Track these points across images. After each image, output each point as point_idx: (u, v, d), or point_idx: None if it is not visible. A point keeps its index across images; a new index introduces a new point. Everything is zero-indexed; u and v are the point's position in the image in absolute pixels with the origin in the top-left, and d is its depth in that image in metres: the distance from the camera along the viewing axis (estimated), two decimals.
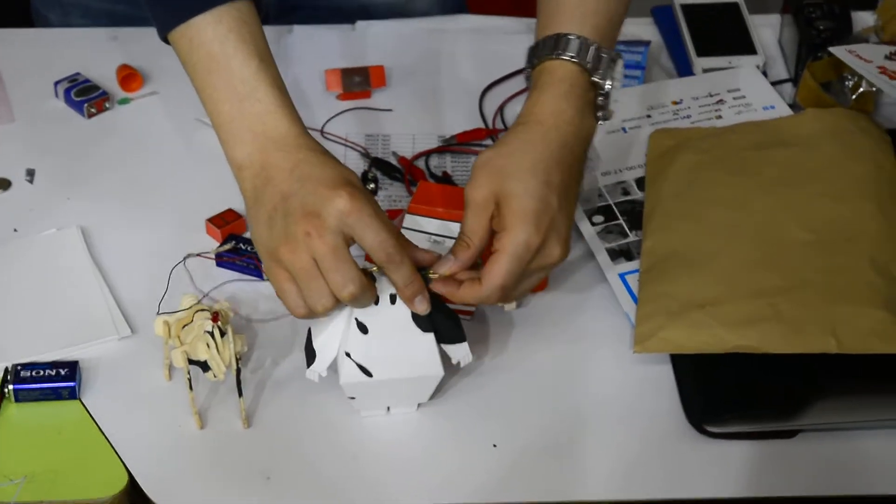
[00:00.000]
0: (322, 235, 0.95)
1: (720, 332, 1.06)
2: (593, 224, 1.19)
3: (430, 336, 1.02)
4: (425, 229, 1.09)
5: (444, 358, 1.03)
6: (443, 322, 1.02)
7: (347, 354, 1.01)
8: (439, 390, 1.05)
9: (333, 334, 1.02)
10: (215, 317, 1.04)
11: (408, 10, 1.42)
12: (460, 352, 1.04)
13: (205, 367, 1.04)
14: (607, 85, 1.01)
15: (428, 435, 1.05)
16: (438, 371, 1.03)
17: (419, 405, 1.06)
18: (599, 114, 1.03)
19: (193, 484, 1.02)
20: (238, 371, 1.04)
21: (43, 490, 1.00)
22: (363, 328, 1.01)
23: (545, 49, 1.03)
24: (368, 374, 1.01)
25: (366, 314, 1.01)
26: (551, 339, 1.12)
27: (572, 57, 1.01)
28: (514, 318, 1.13)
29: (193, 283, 1.10)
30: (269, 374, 1.09)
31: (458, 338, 1.03)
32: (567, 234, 1.01)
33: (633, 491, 1.01)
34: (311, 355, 1.03)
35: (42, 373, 1.06)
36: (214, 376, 1.04)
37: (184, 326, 1.05)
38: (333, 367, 1.03)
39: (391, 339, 1.01)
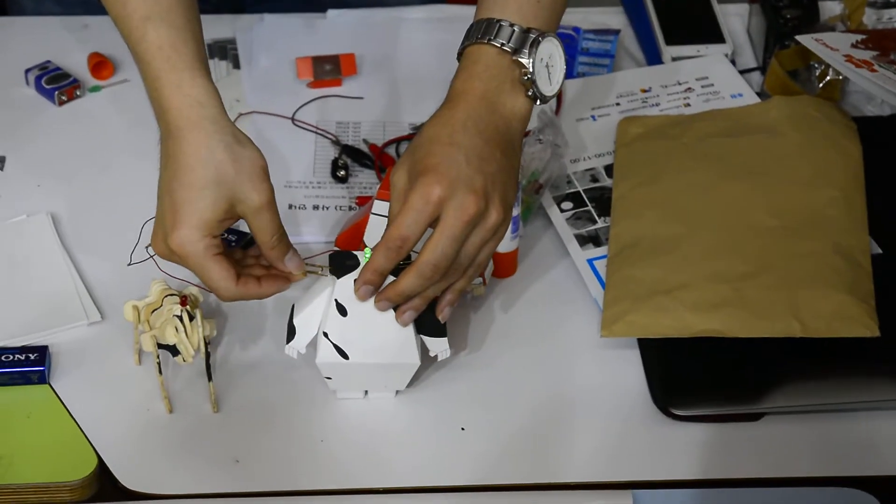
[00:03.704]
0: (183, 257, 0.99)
1: (686, 317, 1.06)
2: (562, 210, 1.20)
3: (411, 325, 1.02)
4: None
5: (423, 349, 1.03)
6: (425, 313, 1.02)
7: (325, 335, 1.01)
8: (416, 379, 1.06)
9: (314, 312, 1.02)
10: (184, 300, 1.04)
11: (384, 0, 1.42)
12: (439, 346, 1.04)
13: (174, 351, 1.04)
14: (528, 63, 1.02)
15: (400, 420, 1.05)
16: (415, 360, 1.03)
17: (397, 392, 1.06)
18: (530, 92, 1.03)
19: (163, 467, 1.02)
20: (207, 355, 1.04)
21: (12, 473, 1.01)
22: (342, 310, 1.01)
23: (469, 36, 1.05)
24: (345, 355, 1.01)
25: (346, 296, 1.01)
26: (521, 324, 1.12)
27: (490, 39, 1.02)
28: (484, 302, 1.13)
29: (160, 269, 1.09)
30: (238, 359, 1.09)
31: (439, 332, 1.03)
32: (499, 197, 0.99)
33: (600, 473, 1.02)
34: (291, 332, 1.03)
35: (11, 357, 1.06)
36: (183, 360, 1.04)
37: (153, 311, 1.06)
38: (313, 346, 1.03)
39: (370, 323, 1.01)
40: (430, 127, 1.01)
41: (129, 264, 1.07)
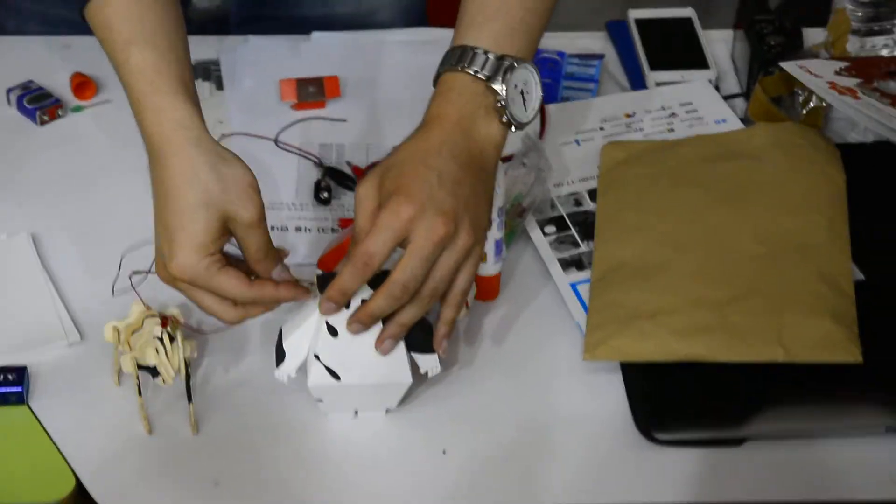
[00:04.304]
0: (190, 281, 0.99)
1: (669, 341, 1.06)
2: (546, 234, 1.19)
3: (401, 344, 1.02)
4: None
5: (413, 366, 1.03)
6: (415, 330, 1.02)
7: (316, 357, 1.01)
8: (407, 397, 1.05)
9: (304, 335, 1.02)
10: (164, 322, 1.04)
11: (369, 23, 1.43)
12: (429, 362, 1.04)
13: (154, 372, 1.03)
14: (501, 90, 1.02)
15: (384, 442, 1.05)
16: (407, 379, 1.03)
17: (387, 410, 1.06)
18: (504, 119, 1.03)
19: (142, 489, 1.01)
20: (187, 376, 1.03)
21: None
22: (333, 331, 1.01)
23: (444, 63, 1.05)
24: (337, 377, 1.01)
25: (336, 317, 1.01)
26: (503, 348, 1.12)
27: (464, 67, 1.03)
28: (468, 326, 1.13)
29: (138, 294, 1.09)
30: (219, 381, 1.08)
31: (428, 348, 1.03)
32: (470, 221, 1.00)
33: (582, 497, 1.01)
34: (280, 356, 1.03)
35: None
36: (164, 382, 1.03)
37: (133, 332, 1.05)
38: (302, 369, 1.03)
39: (361, 343, 1.01)
40: (404, 149, 1.02)
41: (113, 295, 1.08)
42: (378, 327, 1.01)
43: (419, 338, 1.03)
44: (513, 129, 1.04)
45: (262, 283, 1.00)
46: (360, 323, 1.01)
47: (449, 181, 0.99)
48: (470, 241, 1.00)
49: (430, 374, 1.04)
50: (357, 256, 0.98)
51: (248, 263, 1.01)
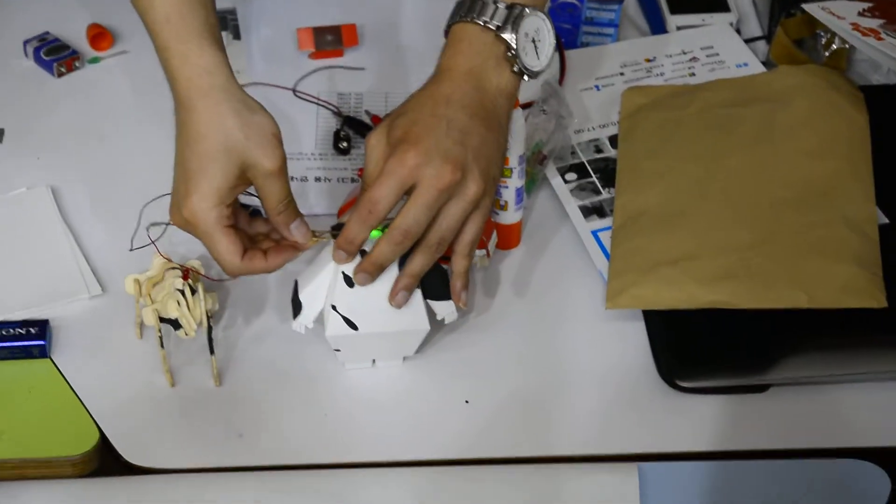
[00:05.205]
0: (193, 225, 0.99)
1: (692, 288, 1.06)
2: (566, 181, 1.19)
3: (417, 291, 1.02)
4: None
5: (430, 313, 1.03)
6: (430, 277, 1.02)
7: (334, 307, 1.01)
8: (424, 344, 1.05)
9: (320, 286, 1.02)
10: (186, 274, 1.04)
11: None
12: (446, 309, 1.04)
13: (176, 325, 1.03)
14: (511, 39, 1.01)
15: (404, 391, 1.05)
16: (424, 326, 1.03)
17: (405, 358, 1.06)
18: (515, 68, 1.03)
19: (165, 441, 1.02)
20: (209, 329, 1.03)
21: (14, 448, 1.00)
22: (349, 281, 1.01)
23: (455, 14, 1.05)
24: (354, 327, 1.01)
25: (352, 267, 1.01)
26: (524, 296, 1.12)
27: (473, 17, 1.02)
28: (488, 275, 1.13)
29: (156, 245, 1.09)
30: (240, 333, 1.08)
31: (444, 295, 1.03)
32: (479, 170, 0.99)
33: (605, 445, 1.01)
34: (297, 307, 1.03)
35: (12, 331, 1.06)
36: (185, 334, 1.04)
37: (154, 285, 1.05)
38: (319, 320, 1.02)
39: (377, 292, 1.01)
40: (414, 99, 1.02)
41: (132, 249, 1.07)
42: (393, 276, 1.01)
43: (435, 284, 1.03)
44: (525, 78, 1.04)
45: (253, 256, 1.00)
46: (365, 272, 1.00)
47: (457, 130, 0.99)
48: (478, 190, 0.99)
49: (446, 321, 1.04)
50: (362, 204, 0.98)
51: (267, 215, 1.01)
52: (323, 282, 1.02)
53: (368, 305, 1.01)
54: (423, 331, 1.03)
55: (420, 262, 1.01)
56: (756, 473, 1.01)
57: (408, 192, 0.98)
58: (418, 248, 1.00)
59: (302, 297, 1.02)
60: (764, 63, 1.30)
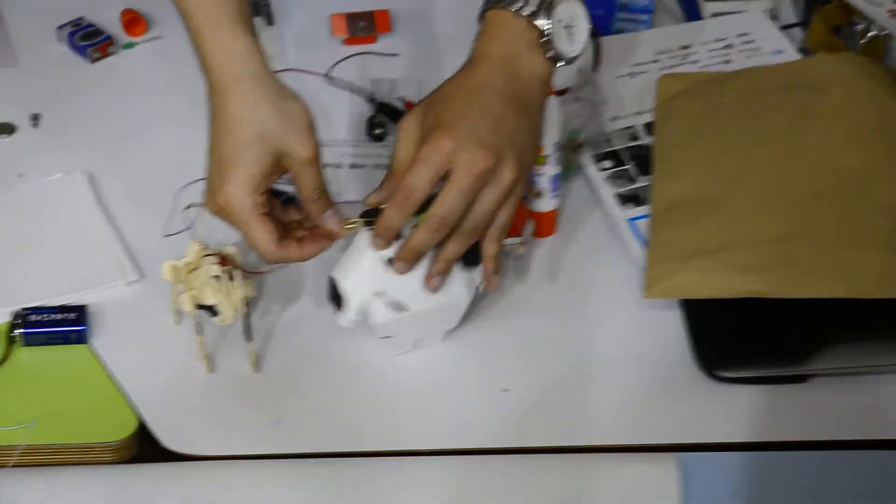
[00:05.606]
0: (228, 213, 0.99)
1: (730, 277, 1.05)
2: (601, 169, 1.18)
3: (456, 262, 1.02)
4: None
5: (469, 283, 1.04)
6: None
7: (379, 294, 1.01)
8: (460, 331, 1.05)
9: (360, 277, 1.02)
10: (223, 261, 1.03)
11: None
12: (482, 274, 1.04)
13: (213, 311, 1.03)
14: (544, 25, 1.01)
15: (439, 379, 1.05)
16: (466, 296, 1.03)
17: (444, 338, 1.06)
18: (549, 55, 1.02)
19: (203, 428, 1.02)
20: (247, 315, 1.03)
21: (53, 433, 1.00)
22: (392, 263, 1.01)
23: (488, 1, 1.05)
24: (404, 308, 1.01)
25: (392, 249, 1.01)
26: (561, 285, 1.11)
27: (507, 4, 1.02)
28: (524, 263, 1.12)
29: (192, 228, 1.09)
30: (277, 320, 1.08)
31: (480, 260, 1.03)
32: (514, 157, 0.99)
33: (643, 436, 1.01)
34: (340, 301, 1.02)
35: (51, 317, 1.06)
36: (223, 321, 1.03)
37: (192, 271, 1.05)
38: (361, 311, 1.02)
39: (419, 269, 1.01)
40: (448, 85, 1.02)
41: (166, 236, 1.07)
42: (430, 254, 1.01)
43: (471, 252, 1.03)
44: (559, 64, 1.03)
45: (288, 244, 1.00)
46: (403, 261, 1.00)
47: (491, 116, 0.99)
48: (513, 176, 0.99)
49: (481, 289, 1.04)
50: (399, 192, 0.98)
51: (301, 203, 1.01)
52: (362, 271, 1.02)
53: (413, 284, 1.01)
54: (465, 301, 1.04)
55: (454, 248, 1.01)
56: (797, 465, 1.00)
57: (442, 178, 0.98)
58: (453, 234, 1.00)
59: (344, 290, 1.02)
60: (800, 50, 1.29)
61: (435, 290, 1.01)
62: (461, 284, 1.03)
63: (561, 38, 1.03)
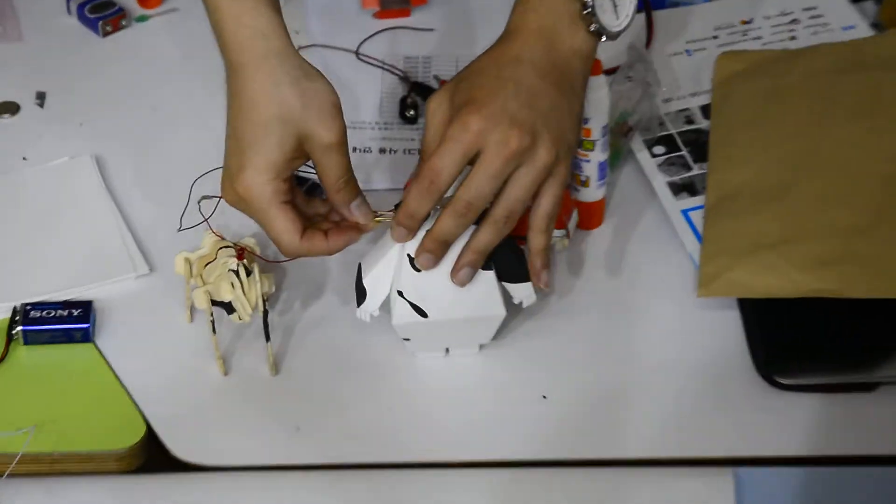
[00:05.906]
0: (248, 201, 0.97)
1: (793, 275, 1.02)
2: (654, 155, 1.16)
3: (491, 273, 0.99)
4: None
5: (506, 297, 1.00)
6: (505, 258, 0.99)
7: (400, 293, 0.98)
8: (501, 331, 1.02)
9: (385, 270, 0.99)
10: (241, 254, 1.01)
11: None
12: (523, 291, 1.00)
13: (229, 308, 1.01)
14: None
15: (475, 385, 1.02)
16: (500, 311, 1.00)
17: (481, 346, 1.03)
18: (592, 28, 0.99)
19: (216, 435, 0.99)
20: (265, 313, 1.01)
21: (53, 440, 0.98)
22: (416, 265, 0.98)
23: None
24: (423, 314, 0.98)
25: (416, 247, 0.98)
26: (608, 281, 1.09)
27: None
28: (568, 258, 1.09)
29: (206, 220, 1.05)
30: (298, 318, 1.06)
31: (521, 276, 1.00)
32: (551, 136, 0.96)
33: (695, 448, 0.97)
34: (361, 293, 1.00)
35: (53, 313, 1.04)
36: (240, 319, 1.01)
37: (207, 264, 1.03)
38: (385, 307, 1.00)
39: (446, 275, 0.98)
40: (481, 60, 1.00)
41: (180, 230, 1.04)
42: None
43: (510, 265, 0.99)
44: (603, 38, 1.00)
45: (313, 236, 0.97)
46: (429, 252, 0.97)
47: (525, 92, 0.96)
48: (550, 157, 0.96)
49: (524, 304, 1.01)
50: (423, 175, 0.96)
51: (325, 192, 0.98)
52: (388, 265, 0.99)
53: (438, 290, 0.98)
54: (498, 316, 1.00)
55: (486, 237, 0.97)
56: (863, 481, 0.97)
57: (472, 160, 0.95)
58: (484, 221, 0.97)
59: (366, 282, 0.99)
60: (873, 25, 1.27)
61: (462, 283, 0.98)
62: (496, 298, 0.99)
63: (605, 10, 0.99)
